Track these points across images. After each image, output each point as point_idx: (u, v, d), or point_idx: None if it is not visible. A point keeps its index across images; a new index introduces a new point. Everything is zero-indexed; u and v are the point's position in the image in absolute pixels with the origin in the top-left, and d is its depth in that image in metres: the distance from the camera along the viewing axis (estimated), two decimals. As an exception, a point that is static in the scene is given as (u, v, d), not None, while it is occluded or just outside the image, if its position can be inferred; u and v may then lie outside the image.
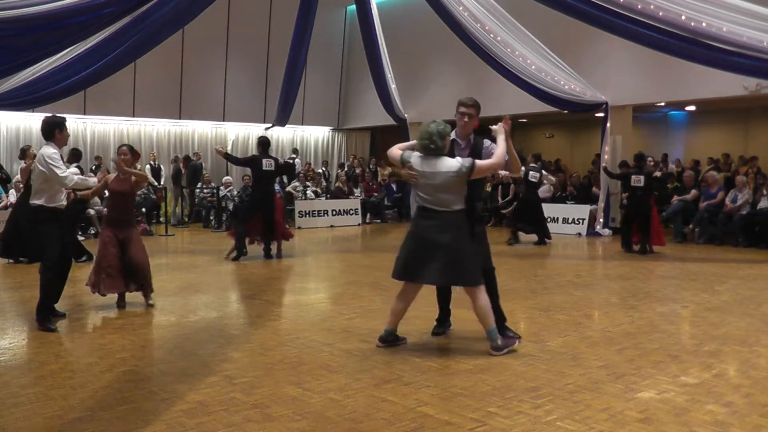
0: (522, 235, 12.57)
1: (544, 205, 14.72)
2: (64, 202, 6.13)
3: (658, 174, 11.22)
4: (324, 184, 18.07)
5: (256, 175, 10.47)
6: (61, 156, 6.09)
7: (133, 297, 6.74)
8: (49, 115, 6.27)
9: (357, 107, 19.78)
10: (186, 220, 16.04)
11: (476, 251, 5.01)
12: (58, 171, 5.89)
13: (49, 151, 5.93)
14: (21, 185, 12.25)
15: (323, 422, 3.64)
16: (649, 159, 11.83)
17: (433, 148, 4.88)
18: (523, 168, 12.04)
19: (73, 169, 9.47)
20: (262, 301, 7.07)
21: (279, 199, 10.69)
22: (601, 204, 13.74)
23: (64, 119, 6.26)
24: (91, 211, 13.17)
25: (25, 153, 10.88)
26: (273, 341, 5.37)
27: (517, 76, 12.99)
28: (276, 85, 16.70)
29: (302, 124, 19.36)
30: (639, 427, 3.56)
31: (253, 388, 4.19)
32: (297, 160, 19.09)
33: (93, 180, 6.52)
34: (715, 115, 18.52)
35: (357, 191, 17.66)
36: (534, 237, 12.40)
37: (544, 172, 12.79)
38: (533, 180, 12.32)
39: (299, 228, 15.35)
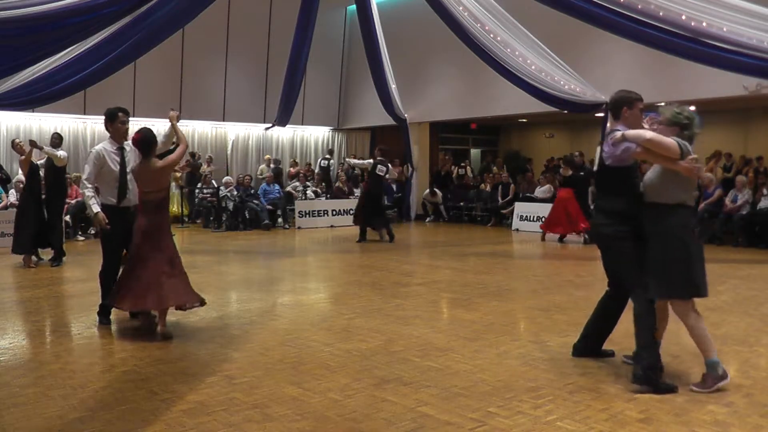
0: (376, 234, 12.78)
1: (543, 206, 14.79)
2: (114, 200, 5.82)
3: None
4: (324, 184, 18.08)
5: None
6: (118, 153, 5.82)
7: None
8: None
9: (357, 107, 19.77)
10: (186, 220, 16.04)
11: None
12: (83, 174, 5.91)
13: (93, 152, 5.86)
14: (21, 185, 12.18)
15: (323, 422, 3.64)
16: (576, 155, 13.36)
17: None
18: (371, 161, 12.74)
19: (63, 152, 9.55)
20: (262, 301, 7.06)
21: None
22: (601, 204, 13.72)
23: (116, 110, 5.91)
24: (91, 212, 13.17)
25: (14, 145, 10.30)
26: (273, 341, 5.37)
27: (517, 76, 12.97)
28: (276, 85, 16.70)
29: (302, 124, 19.34)
30: (639, 427, 3.56)
31: (253, 388, 4.19)
32: (332, 161, 19.12)
33: (95, 208, 5.80)
34: (715, 115, 18.50)
35: (357, 191, 17.65)
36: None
37: (390, 166, 13.14)
38: (380, 173, 12.78)
39: (299, 228, 15.35)
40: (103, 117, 5.98)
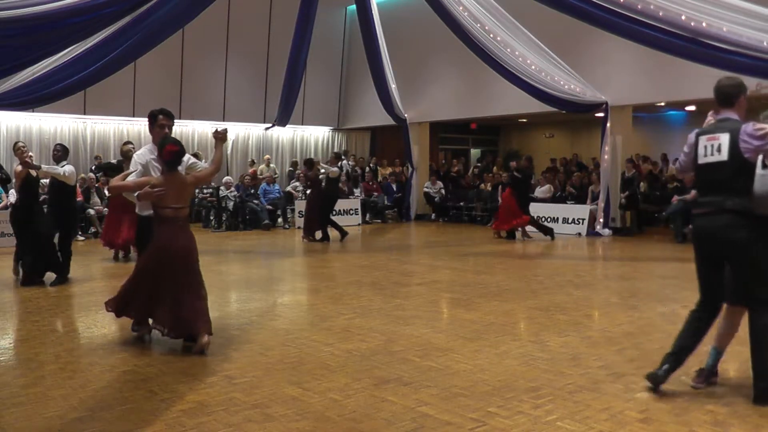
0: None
1: (543, 206, 14.81)
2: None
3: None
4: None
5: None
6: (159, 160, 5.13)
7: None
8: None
9: (357, 107, 19.79)
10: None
11: None
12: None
13: (137, 162, 5.30)
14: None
15: (323, 422, 3.64)
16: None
17: None
18: (337, 169, 13.11)
19: (69, 168, 8.19)
20: (262, 301, 7.07)
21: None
22: (601, 204, 13.75)
23: (157, 112, 5.40)
24: (91, 211, 13.17)
25: (16, 149, 8.19)
26: (273, 341, 5.37)
27: (517, 76, 12.98)
28: (276, 85, 16.71)
29: (302, 124, 19.35)
30: (639, 427, 3.56)
31: (253, 388, 4.19)
32: (345, 162, 19.09)
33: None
34: (715, 115, 18.50)
35: (357, 191, 17.67)
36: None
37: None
38: (341, 179, 13.53)
39: (299, 228, 15.34)
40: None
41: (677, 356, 4.14)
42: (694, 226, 4.19)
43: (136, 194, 5.05)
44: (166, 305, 5.03)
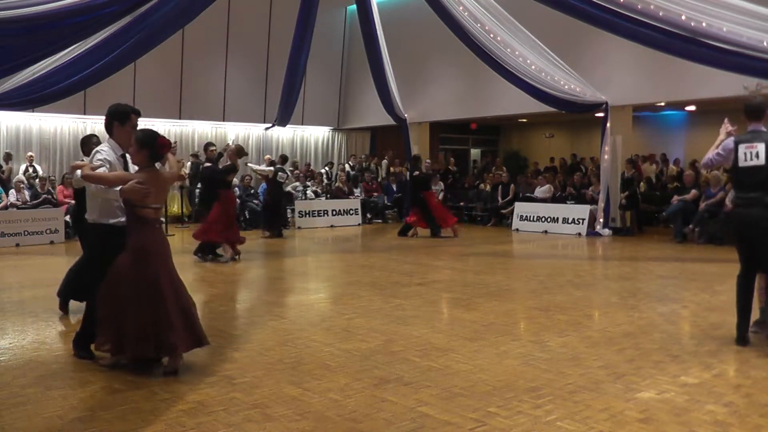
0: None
1: (544, 206, 14.80)
2: (120, 219, 4.68)
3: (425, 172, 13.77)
4: (325, 182, 18.10)
5: None
6: (121, 161, 4.71)
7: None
8: (115, 103, 4.89)
9: (357, 107, 19.79)
10: (186, 219, 16.03)
11: None
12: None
13: (102, 160, 4.63)
14: (22, 185, 11.86)
15: (323, 422, 3.64)
16: (427, 162, 14.35)
17: None
18: (272, 168, 13.73)
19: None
20: (262, 301, 7.07)
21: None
22: (601, 204, 13.74)
23: (129, 110, 4.80)
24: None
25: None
26: (273, 341, 5.37)
27: (517, 76, 12.98)
28: (276, 85, 16.70)
29: (302, 124, 19.36)
30: (639, 427, 3.56)
31: (253, 388, 4.19)
32: (385, 162, 19.29)
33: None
34: (715, 115, 18.45)
35: (357, 191, 17.67)
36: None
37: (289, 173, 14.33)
38: (281, 180, 13.89)
39: (299, 228, 15.35)
40: (109, 115, 4.81)
41: (746, 314, 5.17)
42: (736, 214, 5.18)
43: (118, 188, 4.43)
44: (173, 322, 4.44)
